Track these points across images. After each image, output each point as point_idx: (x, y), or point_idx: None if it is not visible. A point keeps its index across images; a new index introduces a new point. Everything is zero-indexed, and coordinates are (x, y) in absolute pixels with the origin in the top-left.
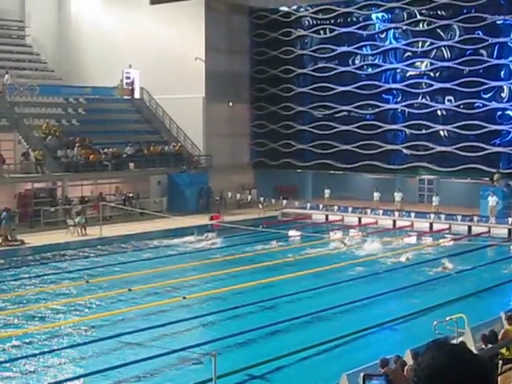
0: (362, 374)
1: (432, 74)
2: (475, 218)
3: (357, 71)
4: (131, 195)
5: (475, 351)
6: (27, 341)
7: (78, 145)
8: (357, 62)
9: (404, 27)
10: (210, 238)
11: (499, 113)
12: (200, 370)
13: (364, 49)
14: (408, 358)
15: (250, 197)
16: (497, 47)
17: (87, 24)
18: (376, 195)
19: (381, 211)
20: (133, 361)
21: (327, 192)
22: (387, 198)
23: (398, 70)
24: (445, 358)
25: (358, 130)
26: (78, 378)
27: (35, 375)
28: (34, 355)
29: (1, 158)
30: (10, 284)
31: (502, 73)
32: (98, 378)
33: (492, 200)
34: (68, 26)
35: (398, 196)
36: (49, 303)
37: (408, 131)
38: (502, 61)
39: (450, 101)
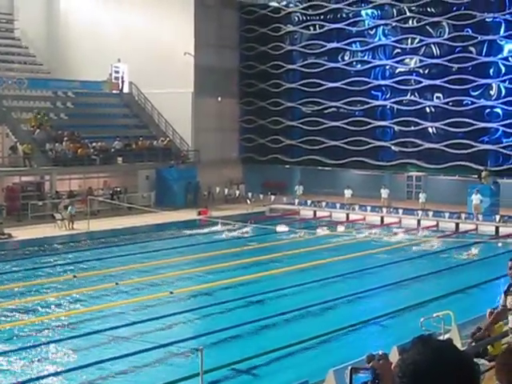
0: (349, 368)
1: (421, 71)
2: (463, 216)
3: (346, 67)
4: (119, 189)
5: (462, 348)
6: (15, 334)
7: (66, 139)
8: (346, 58)
9: (393, 24)
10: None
11: (488, 110)
12: (187, 365)
13: (353, 45)
14: (395, 355)
15: (238, 192)
16: (486, 45)
17: (76, 17)
18: (347, 192)
19: (369, 207)
20: (120, 355)
21: (300, 188)
22: (374, 195)
23: (387, 67)
24: (430, 354)
25: (347, 127)
26: (64, 372)
27: (22, 369)
28: (21, 349)
29: None
30: None
31: (491, 70)
32: (85, 372)
33: (476, 198)
34: (57, 19)
35: (384, 193)
36: (36, 297)
37: (396, 128)
38: (491, 58)
39: (438, 98)
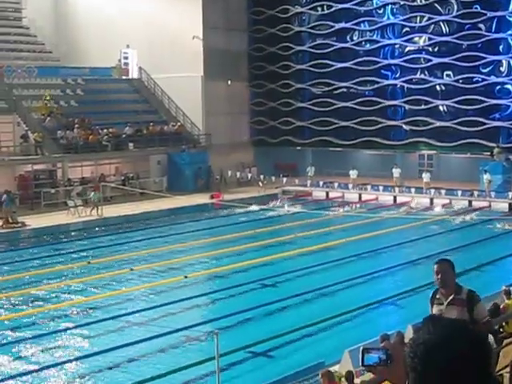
0: (360, 348)
1: (430, 49)
2: (475, 193)
3: (355, 47)
4: (131, 175)
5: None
6: (30, 322)
7: (77, 126)
8: (355, 38)
9: (402, 2)
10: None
11: (498, 87)
12: (203, 349)
13: (362, 25)
14: (410, 334)
15: (250, 175)
16: (495, 21)
17: (84, 4)
18: (353, 173)
19: (381, 187)
20: (135, 341)
21: (312, 169)
22: (386, 174)
23: (397, 46)
24: (441, 333)
25: (357, 107)
26: (80, 358)
27: (38, 357)
28: (38, 336)
29: None
30: (12, 266)
31: (501, 47)
32: (101, 358)
33: (485, 178)
34: (65, 6)
35: (396, 172)
36: (51, 284)
37: (407, 107)
38: (501, 35)
39: (448, 76)
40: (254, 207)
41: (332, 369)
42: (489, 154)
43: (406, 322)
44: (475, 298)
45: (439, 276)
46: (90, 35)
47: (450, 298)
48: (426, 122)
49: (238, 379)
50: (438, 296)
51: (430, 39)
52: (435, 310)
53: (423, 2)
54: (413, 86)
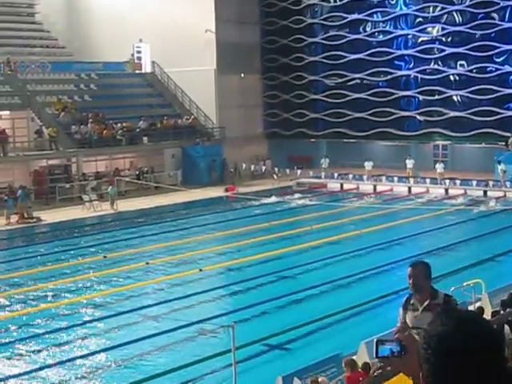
0: (374, 340)
1: (444, 39)
2: (490, 183)
3: (368, 38)
4: (146, 169)
5: (491, 317)
6: (47, 317)
7: (91, 120)
8: (368, 29)
9: None
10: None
11: None
12: (219, 342)
13: (375, 15)
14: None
15: (264, 168)
16: (508, 10)
17: None
18: (368, 164)
19: (396, 178)
20: (152, 334)
21: (326, 161)
22: (401, 165)
23: (410, 36)
24: (454, 325)
25: (371, 98)
26: (97, 352)
27: (55, 351)
28: (54, 331)
29: (3, 135)
30: (28, 261)
31: None
32: (116, 352)
33: (500, 167)
34: (77, 1)
35: (409, 163)
36: (67, 279)
37: (421, 97)
38: None
39: (462, 65)
40: (273, 199)
41: (348, 358)
42: (503, 143)
43: None
44: (452, 302)
45: (412, 280)
46: (103, 30)
47: (426, 303)
48: (440, 112)
49: (254, 371)
50: (412, 301)
51: (443, 29)
52: (409, 316)
53: None
54: (426, 77)
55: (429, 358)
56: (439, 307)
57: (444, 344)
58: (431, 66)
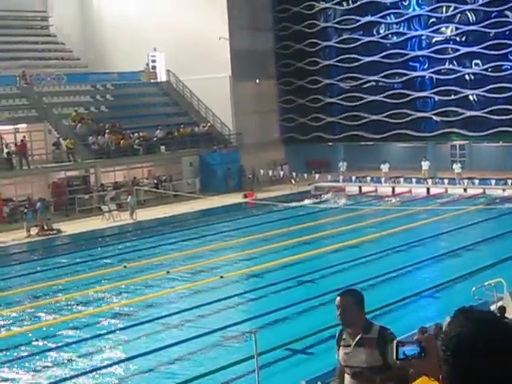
0: (394, 342)
1: (458, 39)
2: (509, 182)
3: (382, 40)
4: (164, 178)
5: None
6: (68, 328)
7: (108, 131)
8: (381, 31)
9: None
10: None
11: None
12: (242, 348)
13: (388, 17)
14: None
15: (282, 173)
16: None
17: (110, 10)
18: (384, 166)
19: (414, 179)
20: (174, 342)
21: (344, 164)
22: (418, 166)
23: (424, 37)
24: (472, 326)
25: (387, 100)
26: (119, 362)
27: (78, 362)
28: (77, 342)
29: (22, 148)
30: (50, 272)
31: None
32: (139, 361)
33: None
34: (91, 13)
35: (425, 165)
36: (89, 290)
37: (437, 98)
38: None
39: (477, 65)
40: (307, 201)
41: None
42: None
43: (444, 314)
44: (388, 336)
45: (340, 312)
46: (117, 40)
47: (358, 337)
48: (457, 112)
49: (277, 377)
50: (344, 336)
51: (456, 29)
52: (341, 353)
53: None
54: (441, 77)
55: (448, 359)
56: (374, 341)
57: (464, 345)
58: (446, 66)
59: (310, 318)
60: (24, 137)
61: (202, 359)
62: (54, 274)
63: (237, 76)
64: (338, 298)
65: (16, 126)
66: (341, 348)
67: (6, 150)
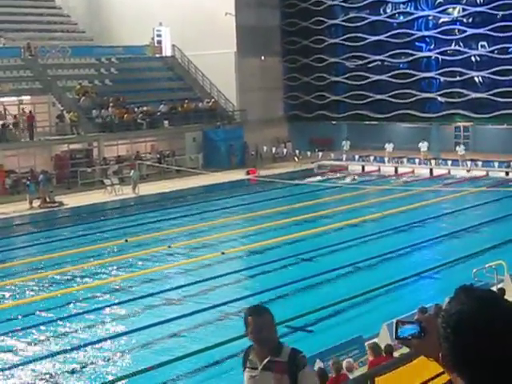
0: (394, 321)
1: (465, 20)
2: None
3: (388, 20)
4: (167, 153)
5: None
6: (70, 300)
7: (111, 105)
8: (388, 10)
9: None
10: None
11: None
12: (240, 325)
13: None
14: None
15: (285, 150)
16: None
17: None
18: (388, 146)
19: (417, 160)
20: (174, 317)
21: (347, 143)
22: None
23: (430, 17)
24: (473, 304)
25: (392, 80)
26: (119, 335)
27: (78, 334)
28: (76, 314)
29: (31, 119)
30: (50, 245)
31: None
32: (138, 335)
33: None
34: None
35: (423, 146)
36: (89, 263)
37: (442, 79)
38: None
39: (483, 46)
40: (318, 178)
41: (371, 342)
42: None
43: (444, 295)
44: (300, 361)
45: (255, 331)
46: (123, 14)
47: (266, 360)
48: (462, 93)
49: None
50: (251, 357)
51: (464, 10)
52: (246, 376)
53: None
54: (447, 58)
55: (448, 336)
56: (284, 365)
57: (464, 323)
58: (452, 47)
59: (310, 295)
60: (28, 110)
61: (201, 335)
62: (55, 246)
63: (242, 52)
64: (253, 317)
65: (20, 98)
66: (246, 370)
67: (12, 121)
